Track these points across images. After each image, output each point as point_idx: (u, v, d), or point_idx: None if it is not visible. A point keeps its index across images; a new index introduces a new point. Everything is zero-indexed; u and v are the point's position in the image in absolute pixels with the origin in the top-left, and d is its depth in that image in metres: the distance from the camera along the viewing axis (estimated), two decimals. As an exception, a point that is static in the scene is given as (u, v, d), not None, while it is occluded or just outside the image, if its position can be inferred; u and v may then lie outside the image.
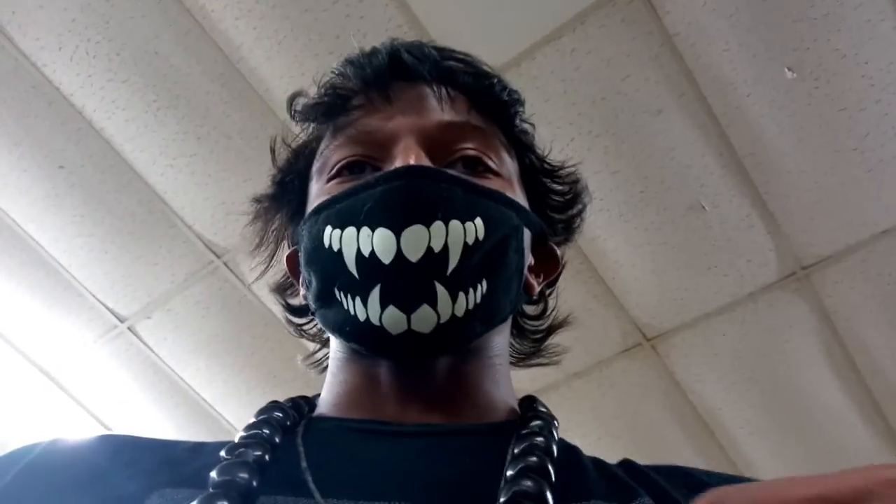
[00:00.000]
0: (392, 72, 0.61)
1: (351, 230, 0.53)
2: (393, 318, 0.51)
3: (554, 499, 0.45)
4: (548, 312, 0.69)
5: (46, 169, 1.77)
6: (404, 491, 0.45)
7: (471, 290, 0.53)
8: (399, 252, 0.51)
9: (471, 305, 0.53)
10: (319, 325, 0.64)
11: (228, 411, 2.23)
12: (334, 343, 0.60)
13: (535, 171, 0.67)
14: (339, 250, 0.54)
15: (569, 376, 1.95)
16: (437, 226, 0.52)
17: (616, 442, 2.10)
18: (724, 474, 0.55)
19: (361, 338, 0.54)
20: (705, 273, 1.83)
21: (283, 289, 0.70)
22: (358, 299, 0.52)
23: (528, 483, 0.45)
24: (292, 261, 0.66)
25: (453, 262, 0.52)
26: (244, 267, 1.94)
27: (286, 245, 0.68)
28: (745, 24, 1.49)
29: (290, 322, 0.69)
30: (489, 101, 0.63)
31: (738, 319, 1.90)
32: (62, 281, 1.96)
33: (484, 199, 0.56)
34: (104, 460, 0.50)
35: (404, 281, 0.52)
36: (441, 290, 0.52)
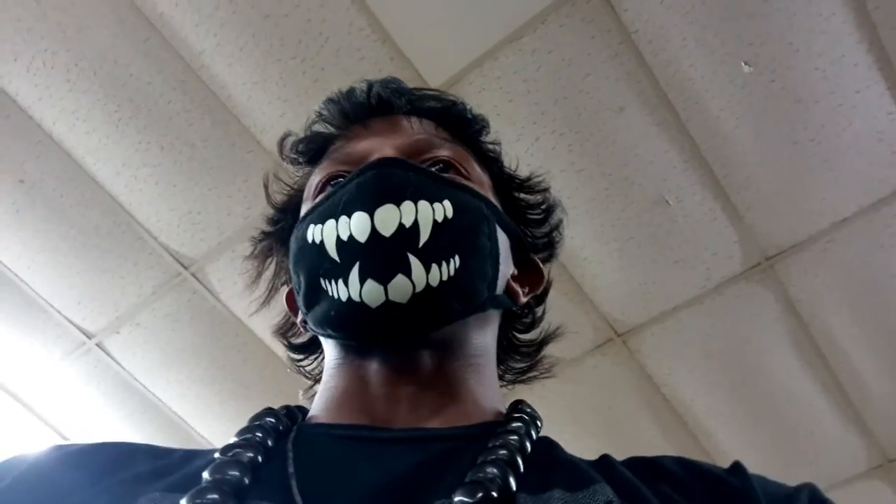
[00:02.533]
0: (370, 107, 0.67)
1: (331, 222, 0.57)
2: (371, 291, 0.54)
3: (518, 486, 0.46)
4: (536, 325, 0.71)
5: (6, 184, 1.74)
6: (382, 498, 0.46)
7: (443, 263, 0.55)
8: (373, 229, 0.55)
9: (444, 277, 0.55)
10: (316, 362, 0.70)
11: (201, 425, 2.20)
12: (328, 351, 0.62)
13: (507, 186, 0.71)
14: (321, 241, 0.57)
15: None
16: (407, 204, 0.56)
17: (591, 438, 2.11)
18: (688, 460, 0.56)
19: (346, 320, 0.56)
20: (672, 267, 1.86)
21: (284, 329, 0.73)
22: (340, 281, 0.55)
23: (493, 470, 0.46)
24: (291, 298, 0.68)
25: (424, 236, 0.55)
26: (212, 277, 1.92)
27: (284, 282, 0.72)
28: (701, 19, 1.52)
29: (291, 360, 0.73)
30: (456, 119, 0.69)
31: (705, 311, 1.93)
32: (26, 298, 1.93)
33: (451, 188, 0.60)
34: (97, 467, 0.51)
35: (379, 254, 0.55)
36: (414, 261, 0.54)
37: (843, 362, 1.99)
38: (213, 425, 2.19)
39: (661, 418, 2.13)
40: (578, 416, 2.10)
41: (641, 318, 1.96)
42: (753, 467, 0.53)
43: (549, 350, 0.73)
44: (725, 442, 2.16)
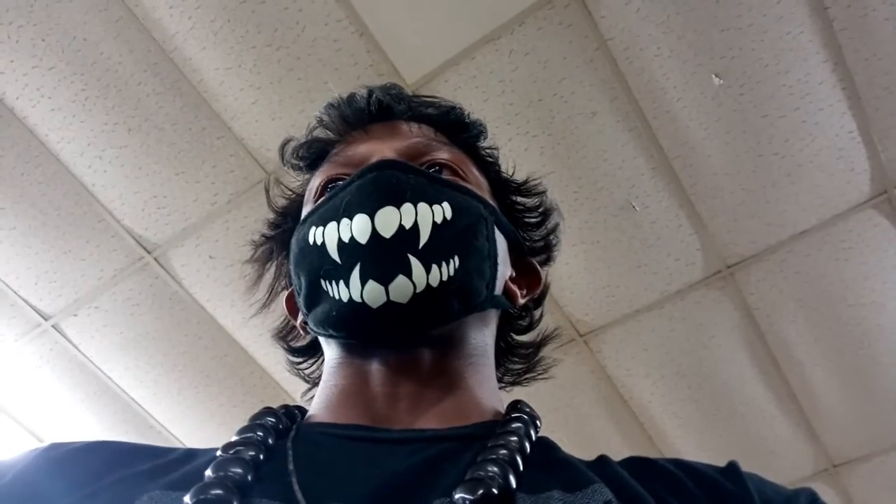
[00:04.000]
0: (370, 113, 0.68)
1: (332, 224, 0.58)
2: (373, 292, 0.55)
3: (517, 485, 0.47)
4: (534, 327, 0.72)
5: (-36, 159, 1.69)
6: (378, 498, 0.47)
7: (443, 264, 0.56)
8: (374, 231, 0.56)
9: (444, 277, 0.56)
10: (315, 365, 0.71)
11: (159, 411, 2.17)
12: (328, 351, 0.63)
13: (504, 189, 0.73)
14: (323, 243, 0.58)
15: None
16: (407, 206, 0.57)
17: (550, 435, 2.14)
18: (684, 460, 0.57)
19: (347, 320, 0.57)
20: (635, 271, 1.90)
21: (284, 333, 0.74)
22: (341, 282, 0.56)
23: (493, 468, 0.47)
24: (291, 301, 0.69)
25: (424, 237, 0.56)
26: (175, 263, 1.90)
27: (284, 286, 0.73)
28: (675, 31, 1.55)
29: (291, 364, 0.74)
30: (454, 124, 0.70)
31: (666, 316, 1.97)
32: (-20, 276, 1.88)
33: (449, 190, 0.62)
34: (95, 466, 0.51)
35: (380, 255, 0.56)
36: (415, 262, 0.55)
37: (796, 370, 2.05)
38: (170, 411, 2.16)
39: (618, 418, 2.17)
40: (537, 410, 2.13)
41: (604, 319, 1.99)
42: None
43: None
44: (679, 442, 2.21)
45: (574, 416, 2.15)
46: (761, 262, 1.88)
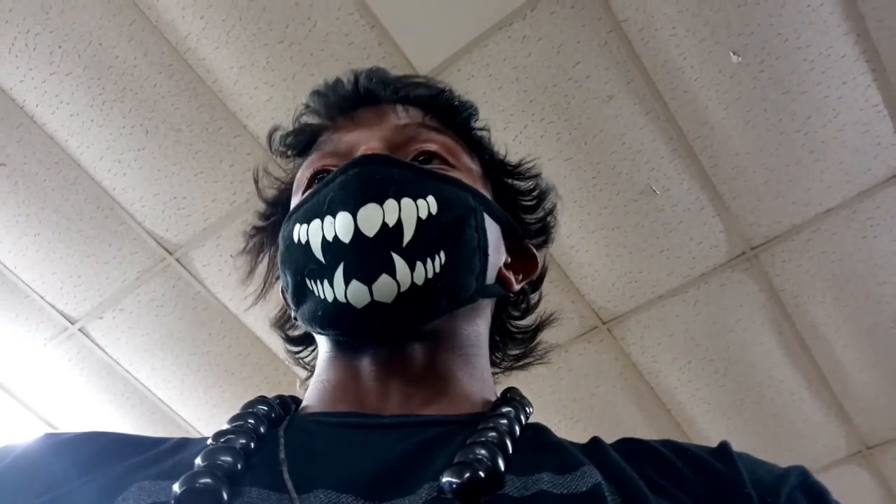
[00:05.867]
0: (356, 98, 0.67)
1: (316, 222, 0.57)
2: (356, 292, 0.54)
3: (506, 468, 0.46)
4: (531, 311, 0.71)
5: (-13, 167, 1.71)
6: (369, 482, 0.46)
7: (428, 261, 0.55)
8: (357, 230, 0.55)
9: (430, 274, 0.55)
10: (313, 353, 0.71)
11: (186, 411, 2.19)
12: (320, 345, 0.63)
13: (498, 172, 0.71)
14: (307, 241, 0.57)
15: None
16: (390, 203, 0.56)
17: (575, 425, 2.13)
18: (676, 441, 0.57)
19: (333, 319, 0.56)
20: (658, 256, 1.87)
21: (281, 322, 0.73)
22: (325, 282, 0.55)
23: (481, 451, 0.46)
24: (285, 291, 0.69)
25: (408, 234, 0.55)
26: (197, 263, 1.91)
27: (279, 277, 0.72)
28: (691, 8, 1.52)
29: (289, 352, 0.74)
30: (443, 106, 0.68)
31: (690, 300, 1.94)
32: (8, 283, 1.90)
33: (435, 181, 0.60)
34: (88, 456, 0.51)
35: (363, 255, 0.55)
36: (399, 260, 0.54)
37: (825, 351, 2.02)
38: (197, 411, 2.18)
39: (645, 406, 2.14)
40: (563, 403, 2.12)
41: (627, 306, 1.97)
42: (735, 454, 0.53)
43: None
44: (708, 429, 2.18)
45: (599, 405, 2.13)
46: (786, 243, 1.84)
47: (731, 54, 1.57)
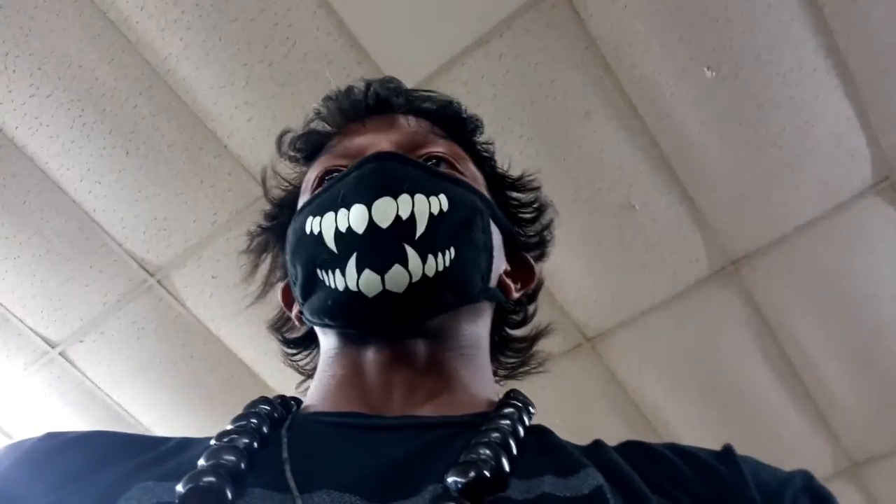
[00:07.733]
0: (367, 106, 0.69)
1: (330, 214, 0.59)
2: (368, 281, 0.55)
3: (510, 469, 0.47)
4: (528, 321, 0.73)
5: (-34, 189, 1.71)
6: (373, 483, 0.46)
7: (439, 255, 0.57)
8: (371, 221, 0.56)
9: (440, 268, 0.56)
10: (309, 357, 0.71)
11: (169, 435, 2.16)
12: (324, 342, 0.63)
13: (500, 184, 0.73)
14: (320, 232, 0.59)
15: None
16: (404, 197, 0.58)
17: (563, 444, 2.11)
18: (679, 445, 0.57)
19: (343, 308, 0.57)
20: (639, 271, 1.88)
21: (279, 325, 0.74)
22: (337, 271, 0.56)
23: (486, 451, 0.47)
24: (286, 293, 0.70)
25: (420, 228, 0.57)
26: (178, 284, 1.90)
27: (280, 277, 0.73)
28: (664, 25, 1.55)
29: (285, 356, 0.74)
30: (451, 119, 0.71)
31: (673, 315, 1.95)
32: (-13, 307, 1.89)
33: (446, 182, 0.62)
34: (91, 456, 0.52)
35: (377, 245, 0.56)
36: (411, 252, 0.56)
37: (809, 365, 2.02)
38: (180, 435, 2.15)
39: (630, 422, 2.13)
40: (548, 420, 2.10)
41: (610, 322, 1.97)
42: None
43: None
44: (694, 445, 2.16)
45: (584, 422, 2.12)
46: (766, 256, 1.85)
47: (706, 70, 1.59)
